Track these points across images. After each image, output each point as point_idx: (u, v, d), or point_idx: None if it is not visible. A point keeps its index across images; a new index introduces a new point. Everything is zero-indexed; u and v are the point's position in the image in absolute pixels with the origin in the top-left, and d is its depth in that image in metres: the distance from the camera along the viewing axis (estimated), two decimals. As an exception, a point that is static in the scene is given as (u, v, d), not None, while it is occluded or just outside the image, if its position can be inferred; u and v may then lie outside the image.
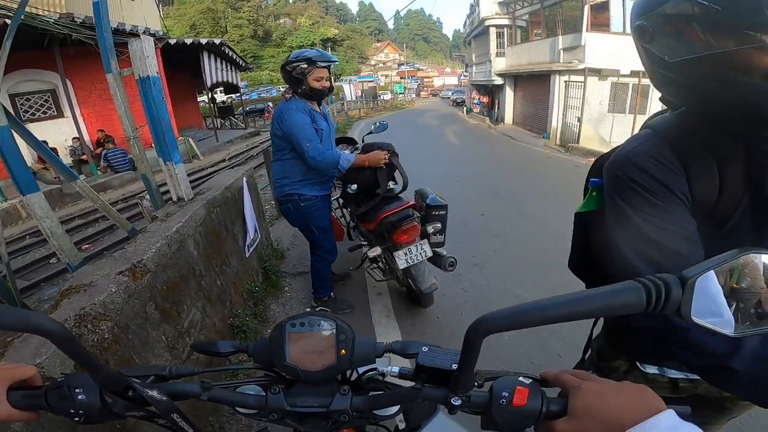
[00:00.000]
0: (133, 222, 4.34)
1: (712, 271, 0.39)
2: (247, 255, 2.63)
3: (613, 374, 0.96)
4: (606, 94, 11.78)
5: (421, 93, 48.02)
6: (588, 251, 0.96)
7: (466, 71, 29.41)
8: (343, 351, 0.53)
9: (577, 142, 10.89)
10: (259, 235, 2.87)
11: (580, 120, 11.15)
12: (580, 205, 0.92)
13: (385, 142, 2.49)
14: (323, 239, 2.50)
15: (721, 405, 0.93)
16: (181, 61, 12.53)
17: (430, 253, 2.36)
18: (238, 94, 18.50)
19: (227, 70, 14.40)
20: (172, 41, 10.73)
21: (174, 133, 2.40)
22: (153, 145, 2.24)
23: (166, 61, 10.67)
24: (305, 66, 2.12)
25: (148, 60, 2.05)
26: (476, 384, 0.51)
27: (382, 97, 33.09)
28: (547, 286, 2.90)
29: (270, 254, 3.21)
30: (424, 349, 0.54)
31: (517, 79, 16.63)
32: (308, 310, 2.69)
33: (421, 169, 6.88)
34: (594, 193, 0.86)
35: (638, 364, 0.91)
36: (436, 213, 2.40)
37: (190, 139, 10.35)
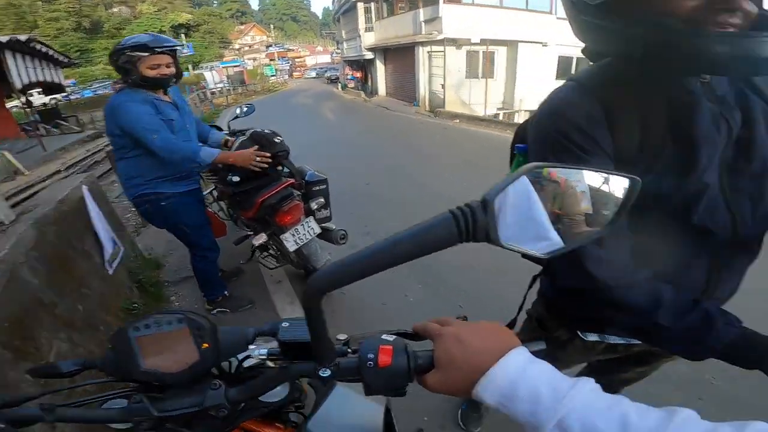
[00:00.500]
0: None
1: (511, 189, 0.38)
2: (111, 272, 2.29)
3: (555, 343, 0.95)
4: (462, 62, 13.08)
5: (294, 73, 46.62)
6: None
7: (337, 48, 29.31)
8: (204, 345, 0.49)
9: (444, 107, 11.96)
10: (122, 248, 2.50)
11: (444, 87, 12.22)
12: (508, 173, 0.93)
13: (270, 132, 2.28)
14: (198, 237, 2.29)
15: (647, 359, 0.98)
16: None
17: (318, 230, 2.34)
18: (65, 94, 15.23)
19: (44, 68, 11.81)
20: None
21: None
22: None
23: None
24: (133, 54, 1.87)
25: None
26: (350, 350, 0.50)
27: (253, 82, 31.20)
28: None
29: (142, 265, 2.84)
30: (284, 324, 0.53)
31: (386, 52, 17.17)
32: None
33: (298, 149, 6.74)
34: (521, 159, 0.84)
35: (579, 333, 0.90)
36: (317, 188, 2.36)
37: (6, 153, 8.19)
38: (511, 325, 0.94)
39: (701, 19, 0.52)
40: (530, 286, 0.95)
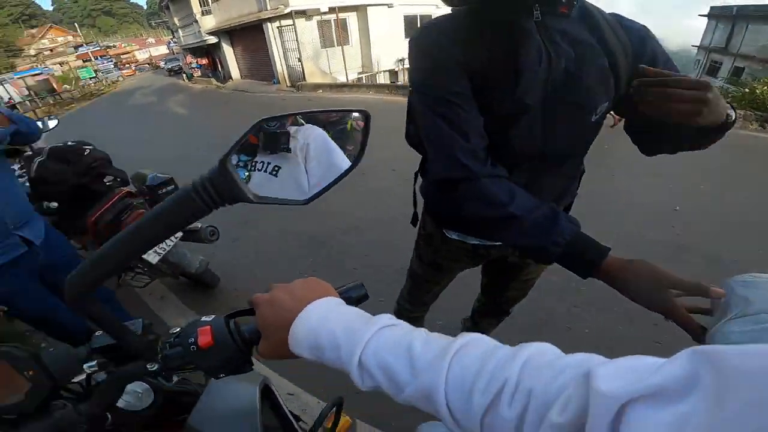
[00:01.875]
0: None
1: (242, 146, 0.40)
2: None
3: (429, 242, 1.08)
4: (316, 33, 12.82)
5: (124, 71, 40.36)
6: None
7: (174, 37, 25.95)
8: (30, 371, 0.50)
9: (304, 80, 11.62)
10: None
11: (300, 60, 11.81)
12: None
13: (73, 144, 2.03)
14: (51, 326, 1.57)
15: (505, 266, 1.13)
16: None
17: (179, 234, 2.04)
18: None
19: None
20: None
21: None
22: None
23: None
24: None
25: None
26: (172, 341, 0.49)
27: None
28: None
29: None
30: (97, 334, 0.53)
31: (232, 34, 15.97)
32: None
33: (144, 156, 5.52)
34: None
35: (444, 231, 1.01)
36: (164, 190, 2.11)
37: None
38: (414, 221, 1.13)
39: None
40: (414, 183, 1.07)
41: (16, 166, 2.40)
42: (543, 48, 0.67)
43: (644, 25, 0.75)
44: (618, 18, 0.75)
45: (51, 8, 72.66)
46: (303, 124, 0.52)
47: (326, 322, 0.38)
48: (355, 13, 13.38)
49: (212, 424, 0.62)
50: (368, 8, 13.09)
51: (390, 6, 13.57)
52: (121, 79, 33.37)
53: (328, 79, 11.75)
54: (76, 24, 59.64)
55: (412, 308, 1.38)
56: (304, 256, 2.74)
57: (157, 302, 2.44)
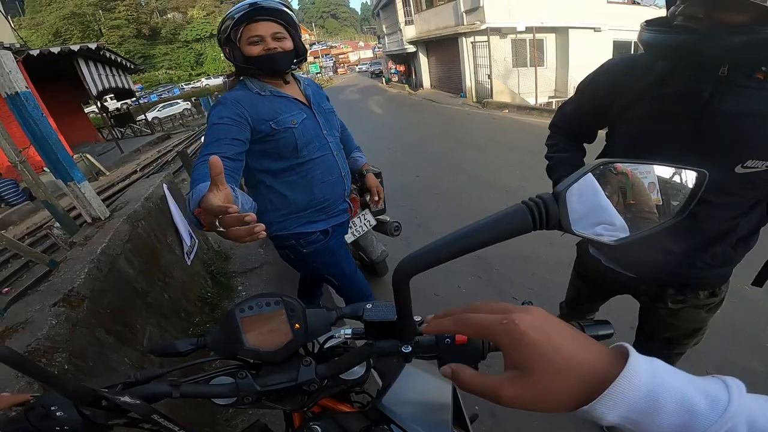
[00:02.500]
0: (50, 254, 3.82)
1: (579, 184, 0.42)
2: (189, 262, 2.48)
3: (580, 252, 1.27)
4: (509, 51, 12.61)
5: (339, 70, 47.29)
6: None
7: (379, 43, 29.19)
8: (297, 325, 0.54)
9: (491, 97, 11.56)
10: (197, 241, 2.71)
11: (490, 77, 11.82)
12: None
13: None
14: (345, 286, 1.69)
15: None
16: (53, 73, 10.79)
17: (374, 222, 2.35)
18: (134, 99, 16.60)
19: (114, 75, 12.89)
20: (35, 52, 9.19)
21: (67, 149, 2.10)
22: (45, 168, 1.98)
23: (34, 74, 9.15)
24: (228, 28, 1.24)
25: (11, 75, 1.78)
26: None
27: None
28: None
29: (213, 257, 3.06)
30: (368, 306, 0.56)
31: (428, 44, 16.91)
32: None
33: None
34: None
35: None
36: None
37: (88, 155, 9.15)
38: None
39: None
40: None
41: None
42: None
43: None
44: None
45: (297, 7, 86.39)
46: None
47: (664, 382, 0.31)
48: (553, 34, 12.61)
49: (405, 408, 0.64)
50: (570, 30, 12.13)
51: (597, 30, 12.26)
52: (334, 76, 38.43)
53: (517, 99, 11.45)
54: (312, 24, 70.84)
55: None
56: (468, 273, 2.72)
57: None
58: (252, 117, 1.23)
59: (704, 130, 0.79)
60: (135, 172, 8.93)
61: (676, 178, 0.49)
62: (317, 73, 37.75)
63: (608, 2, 12.18)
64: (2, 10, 8.93)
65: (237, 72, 1.34)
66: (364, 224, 2.32)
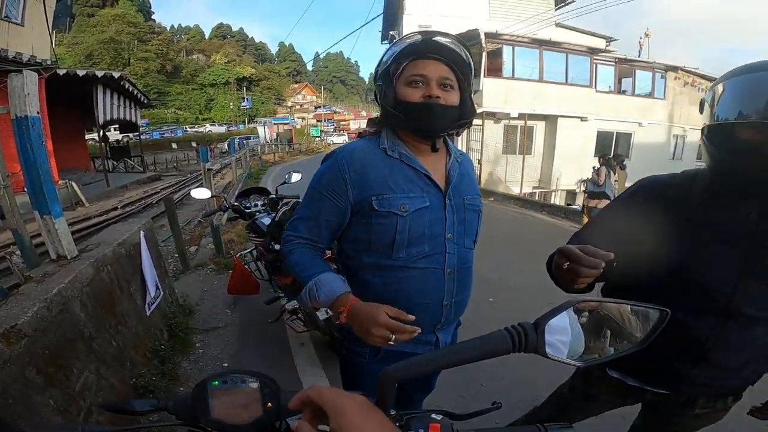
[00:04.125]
0: (2, 279, 3.58)
1: (557, 317, 0.50)
2: (148, 313, 2.35)
3: (588, 377, 1.14)
4: (500, 137, 12.99)
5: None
6: None
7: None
8: (269, 404, 0.54)
9: (480, 184, 11.75)
10: (162, 292, 2.59)
11: (480, 162, 12.02)
12: None
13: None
14: None
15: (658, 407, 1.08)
16: (71, 94, 11.13)
17: None
18: (137, 134, 16.95)
19: (125, 107, 13.25)
20: (62, 71, 9.54)
21: (53, 182, 2.09)
22: (25, 188, 1.95)
23: (53, 93, 9.41)
24: (389, 58, 0.96)
25: (28, 98, 1.84)
26: (397, 425, 0.53)
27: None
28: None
29: (176, 311, 2.90)
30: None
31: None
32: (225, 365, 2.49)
33: None
34: None
35: (606, 368, 1.06)
36: None
37: (73, 183, 9.03)
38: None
39: None
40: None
41: (260, 202, 2.89)
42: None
43: None
44: None
45: (311, 68, 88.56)
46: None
47: None
48: (543, 122, 13.13)
49: None
50: (558, 119, 12.72)
51: (584, 119, 12.87)
52: (333, 142, 39.37)
53: (501, 187, 11.73)
54: (321, 87, 72.27)
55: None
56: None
57: (297, 347, 2.68)
58: (356, 185, 0.93)
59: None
60: (115, 208, 8.78)
61: (641, 314, 0.58)
62: (317, 137, 37.36)
63: (597, 92, 12.83)
64: (48, 25, 9.29)
65: (381, 118, 1.02)
66: None
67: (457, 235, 1.00)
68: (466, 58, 0.94)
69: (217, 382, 0.54)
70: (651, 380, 1.00)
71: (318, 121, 48.53)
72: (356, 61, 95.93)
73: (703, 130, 0.85)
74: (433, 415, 0.54)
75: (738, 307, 0.84)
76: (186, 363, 2.53)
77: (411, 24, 18.09)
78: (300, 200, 2.34)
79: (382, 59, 0.97)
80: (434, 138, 0.96)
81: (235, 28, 76.96)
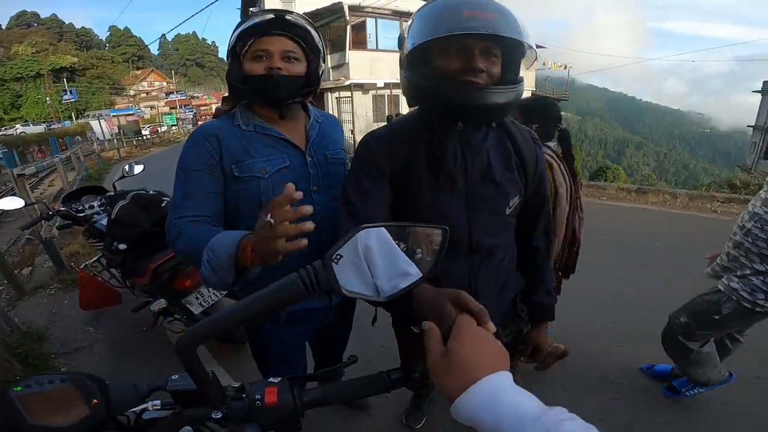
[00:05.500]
0: None
1: (346, 248, 0.46)
2: (-19, 347, 1.99)
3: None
4: (370, 106, 13.66)
5: (199, 122, 43.74)
6: None
7: None
8: (95, 401, 0.51)
9: (353, 154, 12.24)
10: (-9, 322, 2.19)
11: (353, 132, 12.60)
12: None
13: (155, 193, 2.14)
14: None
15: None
16: None
17: (224, 290, 2.23)
18: None
19: None
20: None
21: None
22: None
23: None
24: (236, 36, 1.00)
25: None
26: (244, 395, 0.54)
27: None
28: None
29: (21, 339, 2.48)
30: (173, 377, 0.57)
31: (295, 98, 17.43)
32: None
33: None
34: None
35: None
36: None
37: None
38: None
39: (456, 76, 0.78)
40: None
41: (96, 203, 2.60)
42: (461, 151, 0.87)
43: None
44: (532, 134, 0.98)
45: (157, 53, 77.52)
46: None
47: (494, 405, 0.37)
48: None
49: None
50: None
51: None
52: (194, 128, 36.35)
53: None
54: (172, 71, 63.57)
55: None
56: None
57: None
58: (223, 155, 0.99)
59: None
60: None
61: (424, 235, 0.53)
62: (173, 125, 34.01)
63: None
64: None
65: (231, 95, 1.07)
66: (213, 294, 2.14)
67: (324, 187, 1.09)
68: (313, 33, 1.03)
69: (19, 388, 0.50)
70: None
71: (172, 108, 42.78)
72: (213, 42, 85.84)
73: (401, 63, 0.88)
74: (270, 379, 0.55)
75: (477, 241, 0.91)
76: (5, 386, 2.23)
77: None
78: (145, 190, 2.18)
79: (231, 38, 1.01)
80: (281, 106, 1.03)
81: (44, 15, 63.28)
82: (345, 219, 0.87)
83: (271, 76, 0.96)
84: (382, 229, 0.48)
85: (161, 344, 2.56)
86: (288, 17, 0.97)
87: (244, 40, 0.98)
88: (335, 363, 1.43)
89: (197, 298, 2.09)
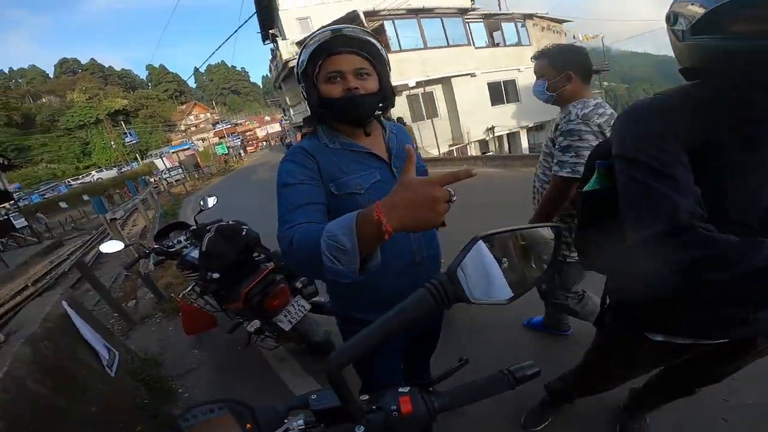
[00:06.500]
0: None
1: (468, 258, 0.47)
2: (113, 374, 2.18)
3: (623, 347, 1.07)
4: (406, 108, 13.60)
5: (248, 148, 44.51)
6: (595, 227, 0.98)
7: (285, 115, 28.34)
8: (248, 425, 0.55)
9: None
10: (116, 353, 2.40)
11: None
12: (587, 184, 0.95)
13: (234, 223, 2.30)
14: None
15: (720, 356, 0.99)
16: None
17: (308, 306, 2.30)
18: (13, 202, 14.39)
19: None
20: None
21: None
22: None
23: None
24: (305, 59, 0.99)
25: None
26: (373, 407, 0.55)
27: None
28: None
29: (142, 366, 2.71)
30: (313, 397, 0.59)
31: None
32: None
33: (265, 227, 6.65)
34: (603, 173, 0.90)
35: (646, 334, 0.95)
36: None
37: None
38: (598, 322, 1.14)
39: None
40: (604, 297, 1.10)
41: (182, 237, 2.82)
42: None
43: None
44: None
45: (194, 86, 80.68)
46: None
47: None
48: (440, 85, 13.94)
49: None
50: (452, 79, 13.60)
51: (473, 75, 13.99)
52: (244, 155, 35.91)
53: (422, 153, 12.24)
54: (213, 102, 66.60)
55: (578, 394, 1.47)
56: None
57: (278, 363, 2.66)
58: (322, 171, 0.97)
59: None
60: (27, 287, 7.52)
61: (543, 236, 0.55)
62: (225, 154, 34.85)
63: (476, 48, 14.09)
64: None
65: (312, 117, 1.05)
66: (299, 310, 2.25)
67: None
68: (376, 44, 0.99)
69: (187, 419, 0.54)
70: (704, 333, 0.88)
71: (221, 138, 44.21)
72: (243, 68, 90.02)
73: (683, 34, 0.71)
74: (400, 389, 0.56)
75: None
76: (178, 409, 2.46)
77: (289, 19, 17.49)
78: (222, 220, 2.32)
79: (298, 61, 1.00)
80: (364, 124, 1.03)
81: (84, 61, 67.92)
82: (669, 193, 0.68)
83: (351, 98, 0.95)
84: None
85: (256, 361, 2.71)
86: (347, 32, 0.94)
87: (314, 62, 0.96)
88: (425, 369, 1.46)
89: (285, 315, 2.20)
